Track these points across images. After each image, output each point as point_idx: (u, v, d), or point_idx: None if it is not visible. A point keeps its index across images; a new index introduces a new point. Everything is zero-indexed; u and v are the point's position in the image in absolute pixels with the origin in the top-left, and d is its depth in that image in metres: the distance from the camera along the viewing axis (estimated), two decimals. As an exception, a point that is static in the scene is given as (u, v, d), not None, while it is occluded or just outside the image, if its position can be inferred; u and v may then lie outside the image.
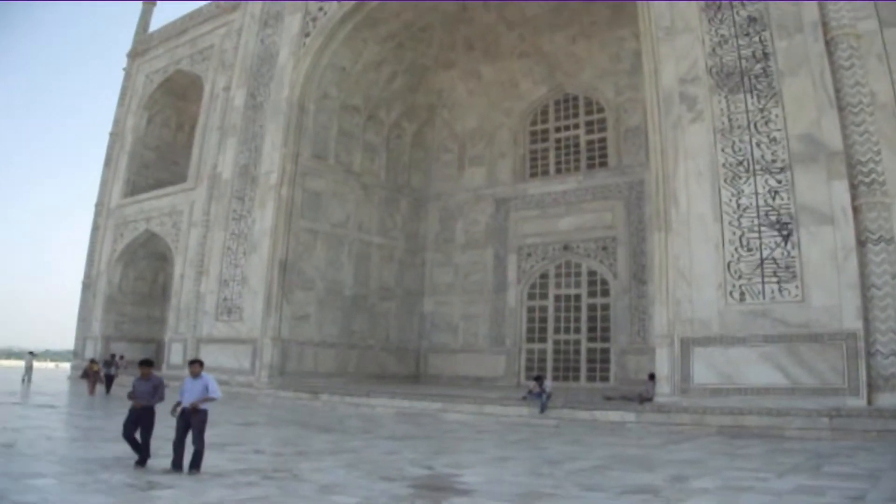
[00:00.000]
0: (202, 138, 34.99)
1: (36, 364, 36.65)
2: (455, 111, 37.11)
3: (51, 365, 57.56)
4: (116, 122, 41.92)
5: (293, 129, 30.79)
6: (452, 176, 36.65)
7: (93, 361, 30.19)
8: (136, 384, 10.49)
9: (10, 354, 73.96)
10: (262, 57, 33.55)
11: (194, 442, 9.90)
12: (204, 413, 10.15)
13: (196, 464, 9.83)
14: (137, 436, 10.28)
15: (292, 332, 29.34)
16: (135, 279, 39.11)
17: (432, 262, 36.10)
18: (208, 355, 30.41)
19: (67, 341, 51.94)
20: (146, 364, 10.71)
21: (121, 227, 38.84)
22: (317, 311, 30.51)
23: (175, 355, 32.13)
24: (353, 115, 33.44)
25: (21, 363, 40.33)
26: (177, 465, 9.86)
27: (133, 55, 43.30)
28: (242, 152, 32.26)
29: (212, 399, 10.21)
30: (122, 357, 32.99)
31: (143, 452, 10.16)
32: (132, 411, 10.28)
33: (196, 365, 10.45)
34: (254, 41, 34.28)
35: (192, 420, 9.99)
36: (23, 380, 32.59)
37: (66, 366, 51.36)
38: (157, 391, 10.37)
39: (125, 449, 10.37)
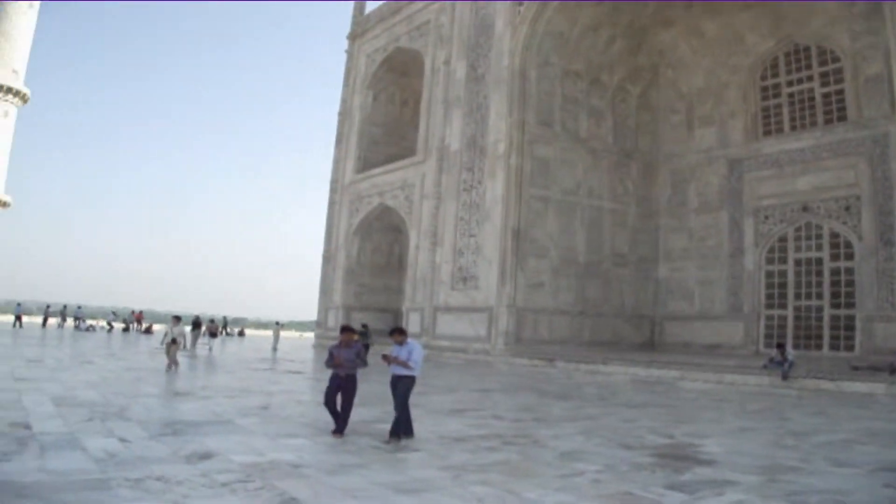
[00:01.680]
0: (427, 112, 36.53)
1: (282, 333, 39.60)
2: (679, 71, 36.41)
3: (295, 334, 61.98)
4: (343, 101, 44.73)
5: (517, 97, 31.48)
6: (681, 137, 36.05)
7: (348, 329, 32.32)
8: (337, 352, 10.42)
9: (259, 325, 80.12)
10: (478, 28, 34.56)
11: (396, 409, 9.95)
12: (407, 380, 10.06)
13: (395, 431, 9.85)
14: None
15: (527, 300, 30.19)
16: (371, 251, 41.47)
17: (665, 226, 35.75)
18: (445, 324, 32.15)
19: (309, 312, 55.92)
20: (348, 331, 10.61)
21: (355, 202, 41.37)
22: (550, 278, 31.19)
23: (413, 324, 33.88)
24: (576, 80, 33.70)
25: (269, 333, 43.74)
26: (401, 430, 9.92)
27: (353, 37, 45.87)
28: (468, 124, 33.46)
29: (406, 365, 10.05)
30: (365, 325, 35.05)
31: (341, 421, 10.23)
32: (334, 379, 10.35)
33: (397, 333, 10.32)
34: (469, 14, 35.32)
35: (394, 387, 10.09)
36: (273, 348, 35.05)
37: (310, 335, 54.71)
38: (360, 358, 10.41)
39: (371, 412, 10.92)
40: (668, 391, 20.04)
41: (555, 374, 25.34)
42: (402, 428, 9.91)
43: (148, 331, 47.51)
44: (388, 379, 10.21)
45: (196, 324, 32.70)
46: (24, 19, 66.18)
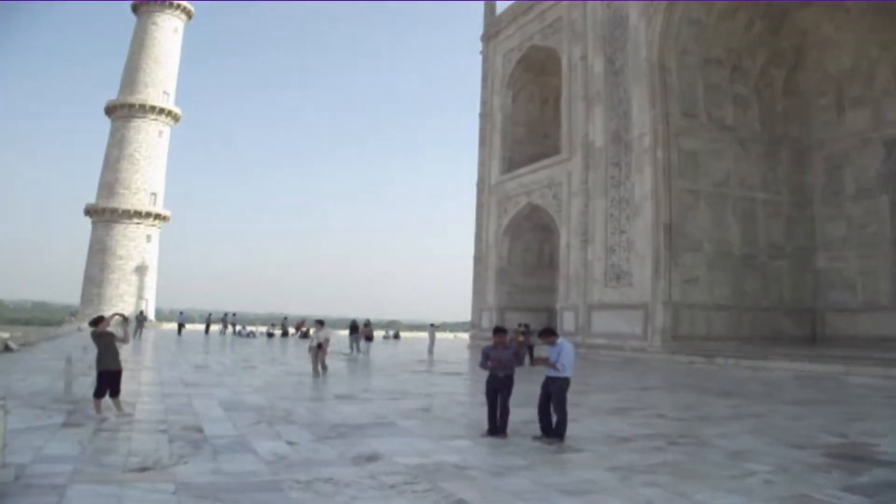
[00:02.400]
0: (568, 109, 37.08)
1: (437, 335, 40.87)
2: (825, 51, 35.40)
3: (450, 336, 63.54)
4: (483, 103, 45.95)
5: (658, 89, 31.60)
6: (832, 121, 35.12)
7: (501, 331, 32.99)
8: (493, 353, 10.50)
9: (412, 327, 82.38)
10: (612, 22, 34.82)
11: (555, 412, 10.05)
12: (560, 382, 10.11)
13: (558, 433, 9.96)
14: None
15: (682, 296, 30.37)
16: (522, 251, 42.47)
17: (821, 215, 34.95)
18: (600, 322, 32.75)
19: (462, 313, 57.57)
20: (501, 332, 10.65)
21: (503, 202, 42.46)
22: (705, 272, 31.21)
23: (567, 323, 34.76)
24: (717, 68, 33.42)
25: (424, 335, 45.01)
26: (546, 431, 10.06)
27: (486, 38, 46.92)
28: (611, 119, 33.85)
29: (554, 366, 10.10)
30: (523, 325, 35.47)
31: (499, 421, 10.37)
32: (491, 380, 10.47)
33: (546, 334, 10.40)
34: (601, 8, 35.59)
35: (549, 389, 10.15)
36: (429, 350, 35.95)
37: (465, 336, 55.89)
38: (517, 358, 10.54)
39: (532, 413, 10.70)
40: (836, 387, 19.70)
41: (714, 370, 25.37)
42: (559, 429, 10.00)
43: (305, 335, 49.91)
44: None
45: (353, 328, 33.96)
46: (171, 44, 70.68)
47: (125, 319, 13.17)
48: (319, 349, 21.00)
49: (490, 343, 10.80)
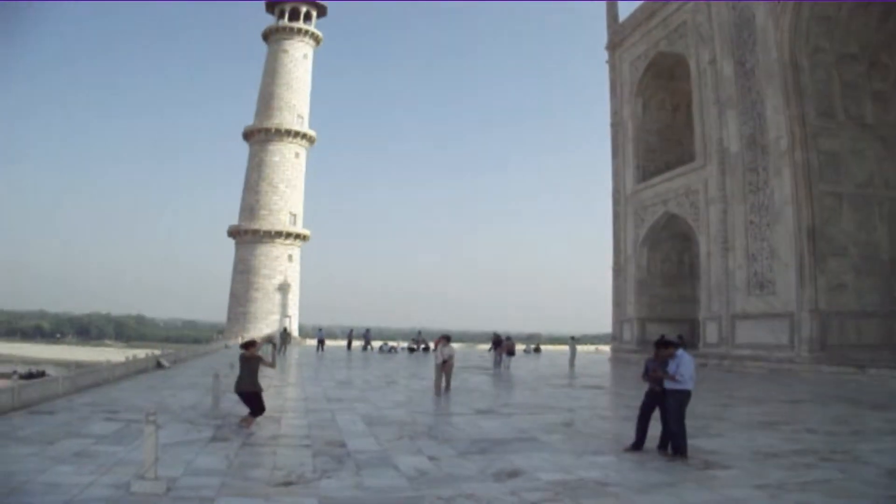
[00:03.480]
0: (700, 115, 37.22)
1: (578, 348, 40.55)
2: (972, 39, 33.77)
3: (591, 348, 63.67)
4: (613, 113, 46.58)
5: (792, 89, 31.32)
6: (981, 114, 33.36)
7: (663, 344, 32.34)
8: (652, 365, 10.43)
9: (554, 340, 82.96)
10: (737, 24, 34.73)
11: (670, 424, 9.99)
12: (678, 395, 10.05)
13: (679, 449, 9.88)
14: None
15: (829, 303, 29.89)
16: (661, 261, 42.76)
17: (976, 214, 33.26)
18: (744, 331, 32.68)
19: (601, 325, 57.69)
20: (663, 345, 10.43)
21: (639, 212, 42.96)
22: (853, 279, 30.60)
23: (710, 334, 34.92)
24: (852, 64, 32.68)
25: (565, 348, 45.14)
26: (646, 442, 10.16)
27: (611, 47, 47.44)
28: (745, 122, 33.79)
29: (673, 378, 10.08)
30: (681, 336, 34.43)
31: (662, 436, 10.26)
32: (650, 394, 10.45)
33: (664, 346, 10.32)
34: (726, 10, 35.55)
35: (665, 402, 10.12)
36: (570, 363, 35.83)
37: (606, 349, 55.75)
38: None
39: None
40: None
41: (866, 381, 24.78)
42: (676, 443, 9.94)
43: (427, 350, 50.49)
44: (714, 393, 10.56)
45: (496, 342, 34.82)
46: (301, 70, 74.07)
47: (274, 346, 14.05)
48: (444, 365, 20.27)
49: (652, 355, 10.68)
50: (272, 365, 14.00)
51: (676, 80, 42.87)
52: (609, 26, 48.28)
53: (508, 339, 34.54)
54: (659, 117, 44.54)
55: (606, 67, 48.18)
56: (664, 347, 10.30)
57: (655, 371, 10.28)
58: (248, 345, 13.76)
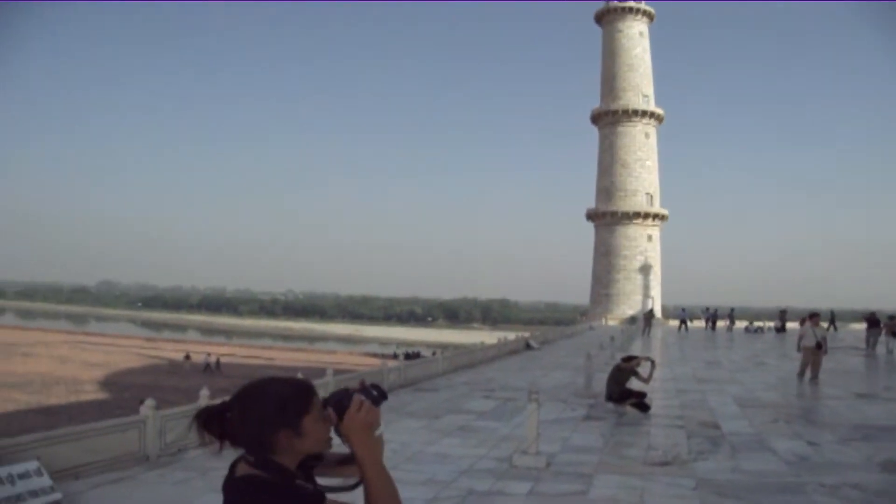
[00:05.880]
0: None
1: None
2: None
3: None
4: None
5: None
6: None
7: None
8: None
9: None
10: None
11: None
12: None
13: None
14: None
15: None
16: None
17: None
18: None
19: None
20: None
21: None
22: None
23: None
24: None
25: None
26: None
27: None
28: None
29: None
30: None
31: None
32: None
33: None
34: None
35: None
36: None
37: None
38: None
39: None
40: None
41: None
42: None
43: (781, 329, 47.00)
44: None
45: (871, 321, 31.51)
46: (639, 48, 73.53)
47: (653, 364, 14.05)
48: (819, 349, 18.42)
49: None
50: (646, 381, 13.86)
51: None
52: None
53: (892, 318, 30.79)
54: None
55: None
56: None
57: None
58: (628, 359, 13.89)
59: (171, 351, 72.17)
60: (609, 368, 14.51)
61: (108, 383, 43.62)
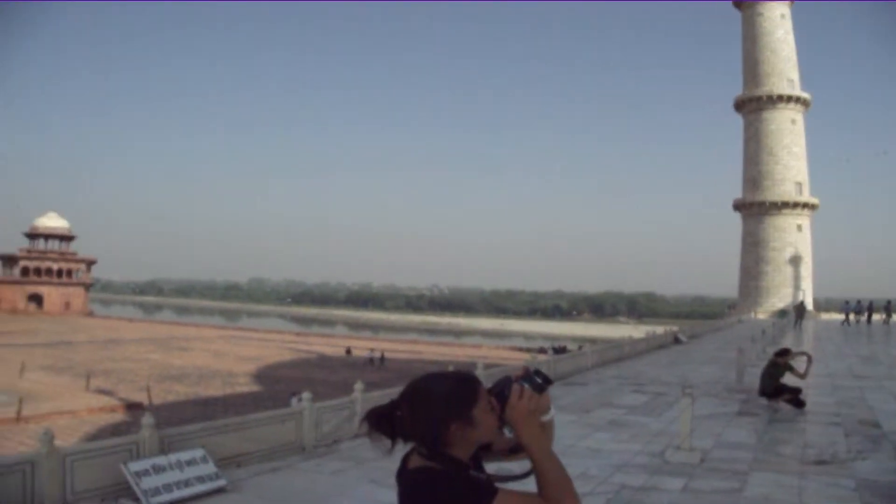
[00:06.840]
0: None
1: None
2: None
3: None
4: None
5: None
6: None
7: None
8: None
9: None
10: None
11: None
12: None
13: None
14: None
15: None
16: None
17: None
18: None
19: None
20: None
21: None
22: None
23: None
24: None
25: None
26: None
27: None
28: None
29: None
30: None
31: None
32: None
33: None
34: None
35: None
36: None
37: None
38: None
39: None
40: None
41: None
42: None
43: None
44: None
45: None
46: (781, 31, 71.15)
47: (809, 359, 13.83)
48: None
49: None
50: (803, 376, 13.63)
51: None
52: None
53: None
54: None
55: None
56: None
57: None
58: (783, 352, 13.72)
59: (320, 345, 74.93)
60: (761, 363, 14.30)
61: (260, 376, 45.76)
